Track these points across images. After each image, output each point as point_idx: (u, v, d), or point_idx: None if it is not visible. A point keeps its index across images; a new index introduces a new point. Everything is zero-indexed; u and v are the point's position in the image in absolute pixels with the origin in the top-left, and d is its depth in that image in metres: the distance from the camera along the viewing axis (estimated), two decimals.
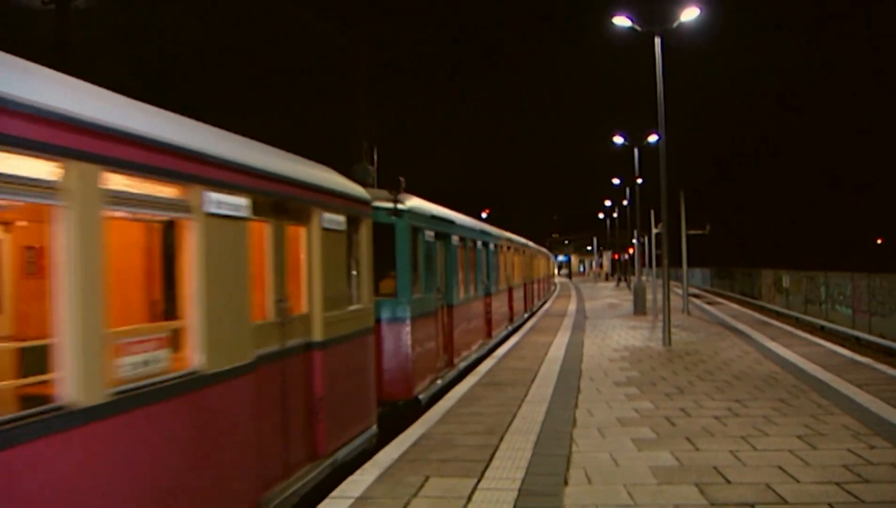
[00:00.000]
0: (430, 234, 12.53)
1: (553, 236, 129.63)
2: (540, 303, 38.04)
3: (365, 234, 9.20)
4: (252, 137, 7.03)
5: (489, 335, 19.02)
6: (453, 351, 14.36)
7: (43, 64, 4.36)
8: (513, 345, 18.94)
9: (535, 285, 33.94)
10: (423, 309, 11.78)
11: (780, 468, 7.32)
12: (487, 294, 19.07)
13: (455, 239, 14.93)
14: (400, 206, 11.06)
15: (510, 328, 23.10)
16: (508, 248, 24.50)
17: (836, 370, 13.17)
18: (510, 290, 23.99)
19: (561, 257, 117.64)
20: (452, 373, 13.90)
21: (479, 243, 18.29)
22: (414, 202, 11.79)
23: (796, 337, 19.22)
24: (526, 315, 28.56)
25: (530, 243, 34.94)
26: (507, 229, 27.67)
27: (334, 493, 6.86)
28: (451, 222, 14.72)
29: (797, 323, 26.06)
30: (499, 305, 20.90)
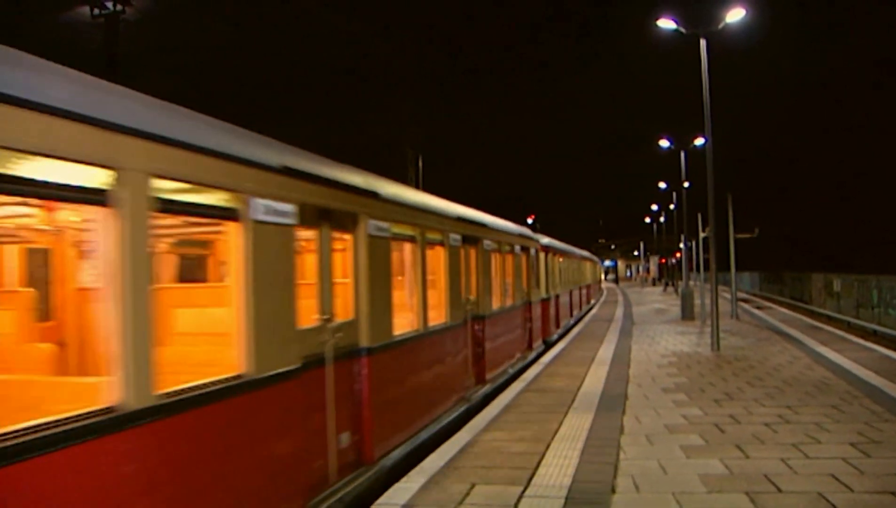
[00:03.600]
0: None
1: (599, 240, 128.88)
2: (587, 308, 37.78)
3: None
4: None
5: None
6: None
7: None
8: (559, 351, 18.85)
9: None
10: None
11: (833, 476, 7.18)
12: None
13: None
14: None
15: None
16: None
17: (890, 376, 12.87)
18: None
19: (608, 262, 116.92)
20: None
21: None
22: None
23: (848, 342, 18.83)
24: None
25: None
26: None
27: (381, 500, 6.90)
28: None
29: (848, 328, 25.51)
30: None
